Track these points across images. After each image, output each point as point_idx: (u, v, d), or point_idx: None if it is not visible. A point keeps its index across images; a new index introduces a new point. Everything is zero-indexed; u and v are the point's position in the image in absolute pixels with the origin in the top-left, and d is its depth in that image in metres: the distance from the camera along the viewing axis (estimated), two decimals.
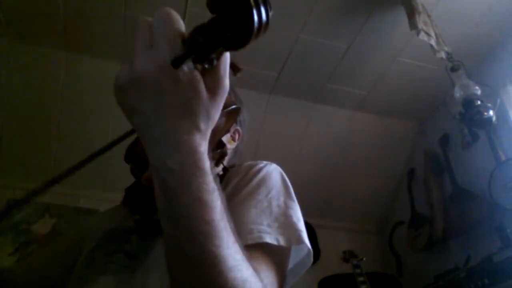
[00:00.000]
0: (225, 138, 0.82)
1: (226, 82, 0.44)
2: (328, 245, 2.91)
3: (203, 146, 0.43)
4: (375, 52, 2.45)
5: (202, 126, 0.42)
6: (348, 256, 2.48)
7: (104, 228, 0.77)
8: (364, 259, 2.42)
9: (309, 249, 0.65)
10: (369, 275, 2.35)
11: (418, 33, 1.91)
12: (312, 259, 0.66)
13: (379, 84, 2.65)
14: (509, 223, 2.02)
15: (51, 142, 2.54)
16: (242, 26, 0.34)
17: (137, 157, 0.67)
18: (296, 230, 0.63)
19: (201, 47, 0.36)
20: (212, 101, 0.42)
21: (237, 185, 0.70)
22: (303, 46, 2.38)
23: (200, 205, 0.42)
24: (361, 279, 2.30)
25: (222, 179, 0.75)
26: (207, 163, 0.43)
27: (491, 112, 1.82)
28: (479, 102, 1.84)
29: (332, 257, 2.73)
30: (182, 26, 0.40)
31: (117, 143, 0.48)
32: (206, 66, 0.40)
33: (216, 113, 0.44)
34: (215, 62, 0.40)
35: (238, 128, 0.92)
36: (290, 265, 0.65)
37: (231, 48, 0.37)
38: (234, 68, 0.44)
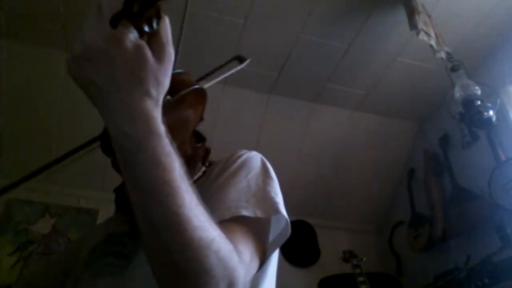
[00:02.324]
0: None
1: (170, 48, 0.46)
2: (328, 245, 2.91)
3: (156, 111, 0.45)
4: (375, 52, 2.45)
5: (153, 91, 0.45)
6: (348, 256, 2.48)
7: (102, 234, 0.78)
8: (364, 259, 2.42)
9: (286, 220, 0.66)
10: (369, 275, 2.35)
11: (418, 33, 1.91)
12: (290, 230, 0.67)
13: (379, 84, 2.65)
14: (509, 223, 2.02)
15: (51, 142, 2.54)
16: None
17: (112, 148, 0.67)
18: (274, 203, 0.64)
19: (132, 4, 0.40)
20: (160, 67, 0.45)
21: (218, 172, 0.71)
22: (303, 46, 2.38)
23: (157, 166, 0.44)
24: (361, 279, 2.30)
25: (205, 172, 0.76)
26: (161, 127, 0.45)
27: (491, 112, 1.81)
28: (479, 102, 1.84)
29: (332, 257, 2.74)
30: None
31: (89, 144, 0.51)
32: (146, 28, 0.43)
33: (166, 79, 0.46)
34: (154, 24, 0.43)
35: None
36: (270, 237, 0.66)
37: None
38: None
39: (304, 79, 2.61)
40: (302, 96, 2.72)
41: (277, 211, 0.63)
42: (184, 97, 0.63)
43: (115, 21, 0.40)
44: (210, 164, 0.80)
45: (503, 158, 2.14)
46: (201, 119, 0.73)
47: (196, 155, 0.75)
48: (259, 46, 2.37)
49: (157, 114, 0.45)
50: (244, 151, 0.75)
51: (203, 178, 0.75)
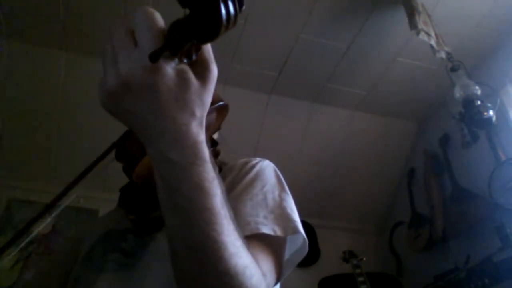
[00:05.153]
0: (216, 135, 0.83)
1: (213, 66, 0.45)
2: (328, 245, 2.91)
3: (201, 135, 0.44)
4: (375, 52, 2.45)
5: (198, 113, 0.44)
6: (348, 256, 2.47)
7: (102, 230, 0.78)
8: (364, 259, 2.42)
9: (304, 238, 0.66)
10: (369, 275, 2.35)
11: (418, 33, 1.91)
12: (307, 249, 0.68)
13: (379, 84, 2.65)
14: (509, 223, 2.02)
15: (51, 142, 2.54)
16: (211, 19, 0.36)
17: (127, 155, 0.68)
18: (291, 221, 0.65)
19: (175, 40, 0.38)
20: (203, 87, 0.44)
21: (232, 181, 0.71)
22: (303, 46, 2.38)
23: (201, 193, 0.44)
24: (361, 279, 2.30)
25: None
26: (206, 152, 0.45)
27: (491, 112, 1.81)
28: (479, 102, 1.84)
29: (332, 257, 2.74)
30: (163, 23, 0.41)
31: (112, 149, 0.50)
32: (185, 60, 0.42)
33: (209, 98, 0.45)
34: (193, 56, 0.42)
35: None
36: (286, 255, 0.67)
37: (203, 40, 0.39)
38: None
39: (304, 79, 2.61)
40: (302, 96, 2.72)
41: (294, 230, 0.64)
42: (210, 112, 0.65)
43: (156, 57, 0.37)
44: (220, 167, 0.80)
45: (503, 158, 2.14)
46: (218, 128, 0.75)
47: None
48: (259, 46, 2.37)
49: (203, 137, 0.45)
50: (258, 159, 0.76)
51: None
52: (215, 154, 0.79)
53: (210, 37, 0.38)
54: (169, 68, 0.40)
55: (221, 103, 0.67)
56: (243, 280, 0.47)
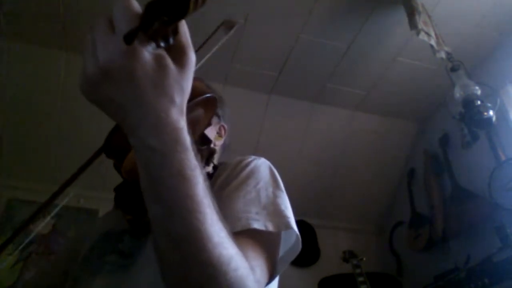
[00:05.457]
0: (211, 135, 0.82)
1: (191, 52, 0.44)
2: (328, 245, 2.91)
3: (182, 122, 0.44)
4: (375, 52, 2.45)
5: (177, 99, 0.43)
6: (348, 256, 2.47)
7: (101, 231, 0.78)
8: (364, 259, 2.42)
9: (297, 235, 0.65)
10: (369, 275, 2.35)
11: (418, 33, 1.91)
12: (300, 245, 0.66)
13: (379, 84, 2.65)
14: (509, 223, 2.02)
15: (51, 142, 2.54)
16: None
17: (115, 151, 0.67)
18: (284, 217, 0.64)
19: (148, 20, 0.38)
20: (182, 73, 0.43)
21: (226, 178, 0.70)
22: (303, 46, 2.38)
23: (182, 180, 0.43)
24: (361, 279, 2.30)
25: (212, 176, 0.76)
26: (187, 139, 0.44)
27: (491, 112, 1.81)
28: (479, 102, 1.84)
29: (332, 257, 2.74)
30: (139, 8, 0.41)
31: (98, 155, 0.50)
32: (162, 44, 0.41)
33: (188, 84, 0.44)
34: (170, 39, 0.42)
35: (223, 124, 0.92)
36: (281, 252, 0.65)
37: (173, 16, 0.38)
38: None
39: (304, 79, 2.61)
40: (302, 96, 2.72)
41: (287, 226, 0.63)
42: (196, 104, 0.63)
43: (130, 38, 0.38)
44: (216, 166, 0.79)
45: (503, 158, 2.14)
46: (208, 124, 0.73)
47: (200, 156, 0.75)
48: (259, 46, 2.37)
49: (183, 123, 0.44)
50: (252, 157, 0.75)
51: (210, 181, 0.75)
52: (210, 153, 0.78)
53: (180, 13, 0.38)
54: (146, 53, 0.40)
55: (207, 95, 0.66)
56: (227, 271, 0.45)
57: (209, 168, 0.78)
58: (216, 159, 0.83)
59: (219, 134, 0.91)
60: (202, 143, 0.75)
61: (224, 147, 0.94)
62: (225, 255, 0.45)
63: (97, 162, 0.53)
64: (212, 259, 0.44)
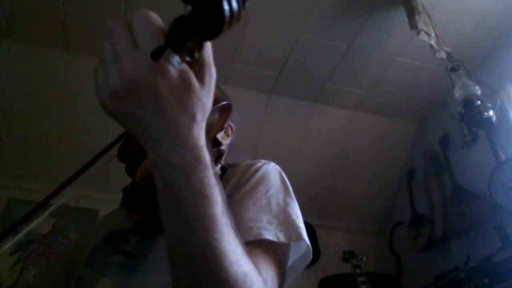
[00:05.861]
0: (219, 135, 0.82)
1: (213, 69, 0.44)
2: (328, 245, 2.91)
3: (202, 140, 0.44)
4: (375, 52, 2.45)
5: (199, 116, 0.43)
6: (348, 256, 2.47)
7: (105, 231, 0.77)
8: (364, 259, 2.42)
9: (308, 245, 0.65)
10: (369, 275, 2.35)
11: (418, 33, 1.91)
12: (311, 256, 0.67)
13: (379, 84, 2.65)
14: (509, 223, 2.02)
15: (51, 142, 2.54)
16: (214, 16, 0.36)
17: (129, 156, 0.68)
18: (296, 227, 0.63)
19: (177, 38, 0.37)
20: (204, 89, 0.43)
21: (236, 184, 0.70)
22: (303, 46, 2.38)
23: (202, 199, 0.43)
24: (361, 279, 2.30)
25: (221, 178, 0.75)
26: (207, 157, 0.44)
27: (491, 112, 1.81)
28: (479, 102, 1.84)
29: (332, 257, 2.73)
30: (161, 22, 0.40)
31: (109, 148, 0.49)
32: (188, 59, 0.41)
33: (209, 100, 0.44)
34: (196, 54, 0.41)
35: (230, 123, 0.93)
36: (290, 261, 0.66)
37: (206, 37, 0.38)
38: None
39: (304, 79, 2.61)
40: (302, 96, 2.72)
41: (299, 237, 0.62)
42: (212, 112, 0.64)
43: (158, 54, 0.37)
44: (224, 168, 0.79)
45: (503, 158, 2.14)
46: (221, 129, 0.74)
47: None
48: (259, 46, 2.37)
49: (203, 141, 0.44)
50: (262, 161, 0.75)
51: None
52: (218, 154, 0.78)
53: (213, 34, 0.37)
54: (172, 69, 0.40)
55: (224, 103, 0.66)
56: None
57: (217, 169, 0.78)
58: (223, 160, 0.83)
59: (226, 133, 0.91)
60: (212, 145, 0.76)
61: (231, 146, 0.94)
62: (241, 272, 0.46)
63: (101, 163, 0.53)
64: (228, 277, 0.45)
